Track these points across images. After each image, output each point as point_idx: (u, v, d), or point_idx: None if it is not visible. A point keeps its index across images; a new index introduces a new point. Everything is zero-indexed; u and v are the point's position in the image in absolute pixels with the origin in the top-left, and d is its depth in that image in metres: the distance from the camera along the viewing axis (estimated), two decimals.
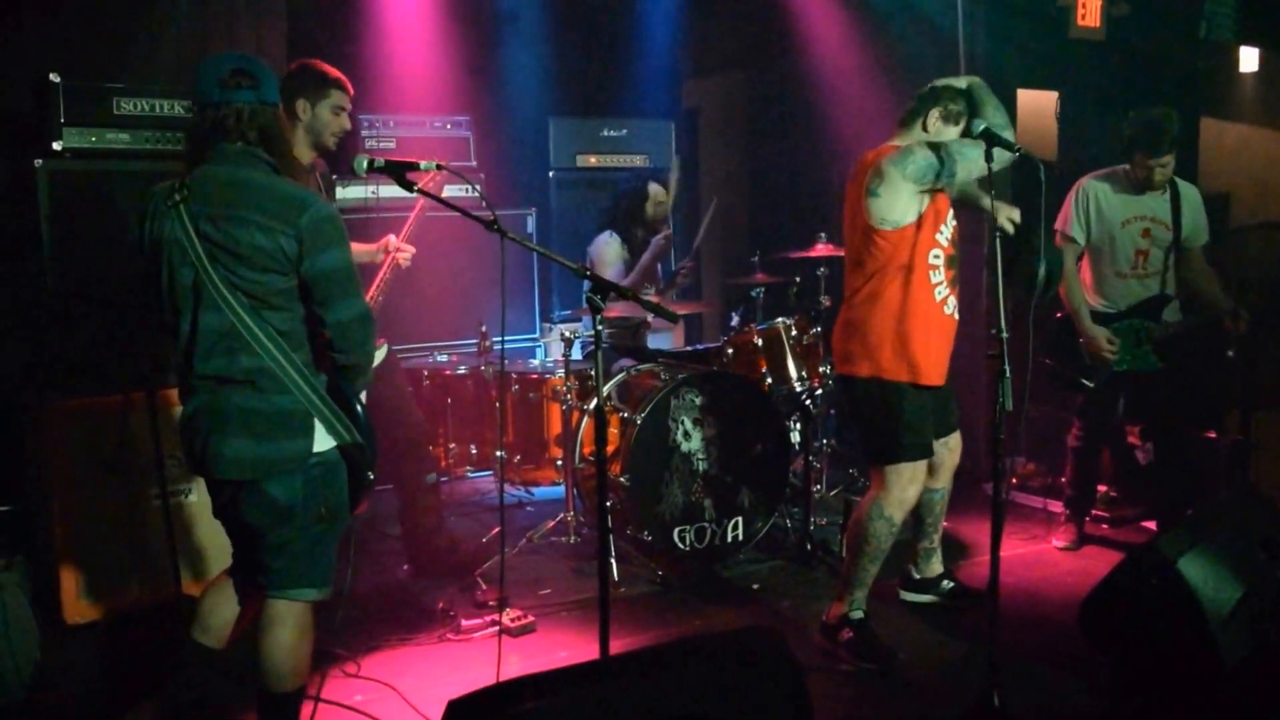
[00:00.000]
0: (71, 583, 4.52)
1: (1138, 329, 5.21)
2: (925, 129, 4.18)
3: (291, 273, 3.04)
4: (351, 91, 4.46)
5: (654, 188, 6.18)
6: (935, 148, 4.04)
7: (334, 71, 4.43)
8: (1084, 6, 6.37)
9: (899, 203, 4.03)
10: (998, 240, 3.71)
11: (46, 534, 4.57)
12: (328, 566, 3.27)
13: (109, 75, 4.94)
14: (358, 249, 4.79)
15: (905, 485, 4.23)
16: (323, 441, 3.14)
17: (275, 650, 3.22)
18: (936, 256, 4.13)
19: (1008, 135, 4.01)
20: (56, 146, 4.71)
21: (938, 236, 4.13)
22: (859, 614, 4.28)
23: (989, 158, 3.73)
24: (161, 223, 3.06)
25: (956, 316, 4.25)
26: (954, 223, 4.22)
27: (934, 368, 4.20)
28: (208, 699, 3.43)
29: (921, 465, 4.26)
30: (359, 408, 3.21)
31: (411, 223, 4.87)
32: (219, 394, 3.07)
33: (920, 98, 4.22)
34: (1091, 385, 5.30)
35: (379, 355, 4.75)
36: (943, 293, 4.17)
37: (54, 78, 4.68)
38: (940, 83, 4.23)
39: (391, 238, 4.83)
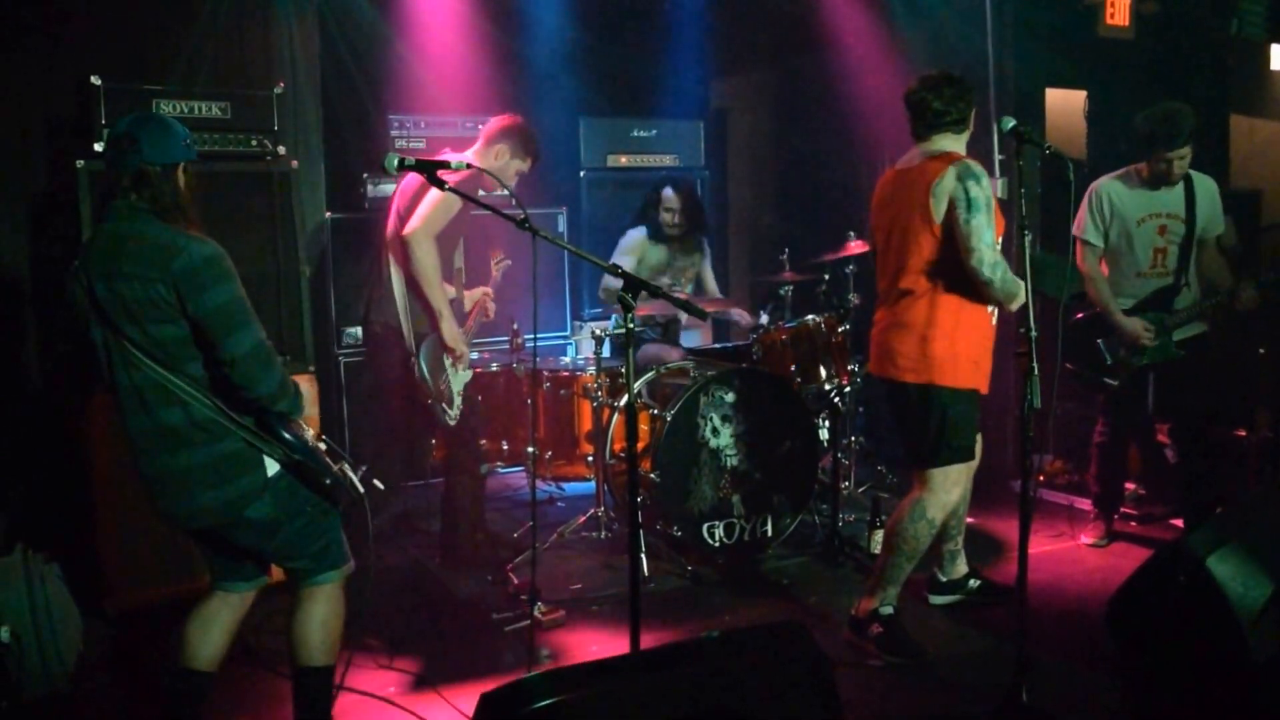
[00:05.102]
0: (115, 572, 4.63)
1: (1153, 321, 5.20)
2: (968, 126, 4.25)
3: (180, 319, 3.05)
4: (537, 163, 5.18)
5: (666, 192, 6.25)
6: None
7: (538, 147, 5.13)
8: (1112, 5, 6.35)
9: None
10: (1026, 239, 3.73)
11: (90, 524, 4.66)
12: (339, 546, 3.42)
13: (149, 77, 5.02)
14: (458, 292, 5.17)
15: (950, 488, 4.25)
16: (275, 465, 3.22)
17: (307, 624, 3.37)
18: None
19: None
20: (98, 148, 4.78)
21: (997, 248, 4.16)
22: (889, 610, 4.31)
23: (1018, 155, 3.77)
24: (72, 286, 3.14)
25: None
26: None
27: (986, 374, 4.24)
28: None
29: (965, 468, 4.28)
30: (287, 435, 3.22)
31: (496, 277, 5.41)
32: (163, 457, 3.14)
33: (961, 99, 4.22)
34: (1115, 384, 5.30)
35: (464, 378, 4.97)
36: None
37: (95, 80, 4.76)
38: (959, 78, 4.26)
39: (486, 290, 5.32)
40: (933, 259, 4.10)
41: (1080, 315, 5.42)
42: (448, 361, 4.94)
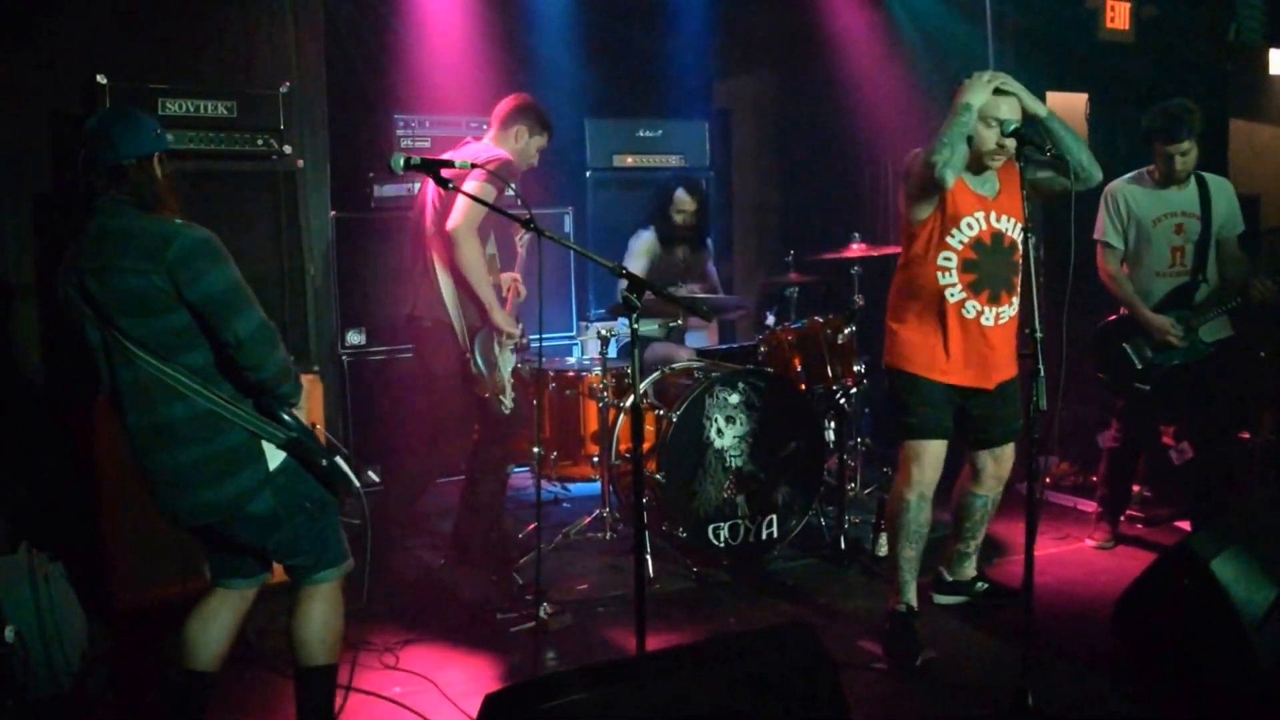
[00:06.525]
0: (120, 572, 4.62)
1: (1177, 319, 5.19)
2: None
3: (178, 308, 3.04)
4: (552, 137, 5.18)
5: (679, 193, 6.27)
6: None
7: (550, 121, 5.13)
8: (1112, 9, 6.37)
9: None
10: (1030, 241, 3.72)
11: (95, 524, 4.65)
12: (338, 543, 3.41)
13: (154, 76, 5.01)
14: (495, 278, 5.11)
15: (923, 467, 4.30)
16: (276, 456, 3.22)
17: (308, 624, 3.36)
18: (947, 259, 4.18)
19: (1083, 158, 4.07)
20: None
21: (948, 239, 4.18)
22: (903, 607, 4.34)
23: (1019, 156, 3.75)
24: (64, 285, 3.13)
25: (991, 323, 4.22)
26: (980, 229, 4.19)
27: (942, 365, 4.26)
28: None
29: (939, 451, 4.31)
30: (286, 416, 3.23)
31: (522, 254, 5.33)
32: (163, 454, 3.14)
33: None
34: (1149, 388, 5.28)
35: (510, 362, 5.04)
36: (957, 295, 4.19)
37: (101, 79, 4.76)
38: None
39: (515, 275, 5.25)
40: (902, 248, 4.38)
41: (1111, 318, 5.41)
42: (497, 350, 4.94)
